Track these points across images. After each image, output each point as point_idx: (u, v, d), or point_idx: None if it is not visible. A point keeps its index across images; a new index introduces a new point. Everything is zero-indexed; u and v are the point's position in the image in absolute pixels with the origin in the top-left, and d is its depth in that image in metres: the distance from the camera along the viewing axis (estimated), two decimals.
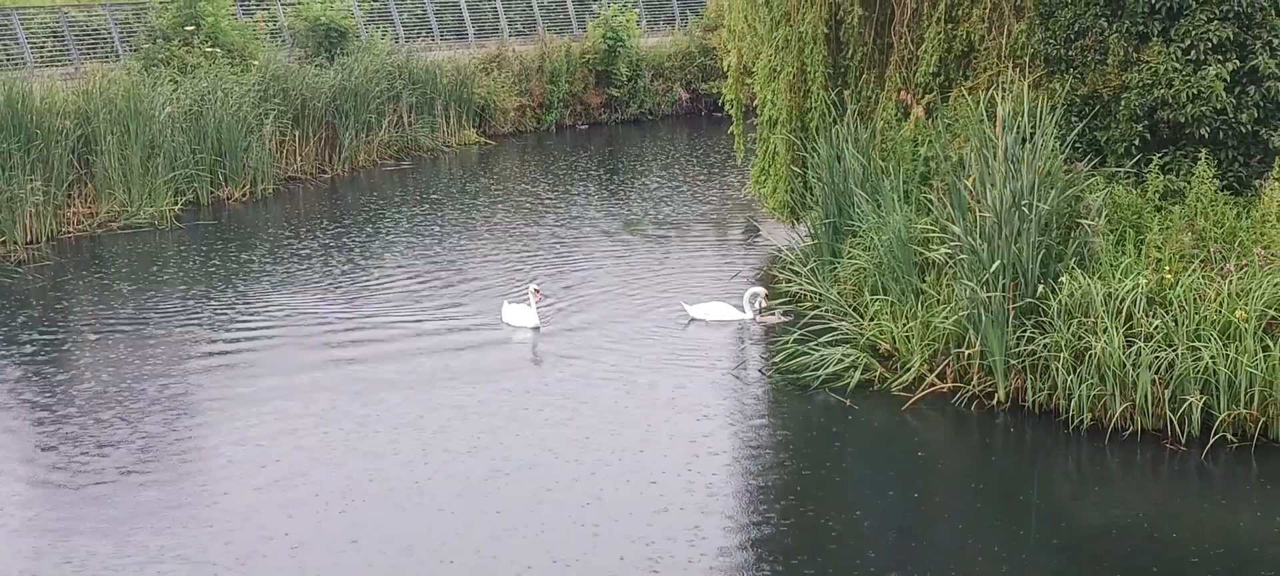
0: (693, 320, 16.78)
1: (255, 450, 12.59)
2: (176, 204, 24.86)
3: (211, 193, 26.14)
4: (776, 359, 14.73)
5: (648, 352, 15.40)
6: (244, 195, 26.56)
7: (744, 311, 16.85)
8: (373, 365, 14.99)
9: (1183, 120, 14.12)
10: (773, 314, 16.63)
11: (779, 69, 19.06)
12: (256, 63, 29.34)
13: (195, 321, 17.32)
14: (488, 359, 15.18)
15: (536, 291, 16.44)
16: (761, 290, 17.22)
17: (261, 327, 16.96)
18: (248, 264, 20.78)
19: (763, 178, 20.40)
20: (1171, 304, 12.45)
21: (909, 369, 13.87)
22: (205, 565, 10.30)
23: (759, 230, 22.07)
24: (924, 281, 14.54)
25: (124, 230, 23.50)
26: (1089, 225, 13.33)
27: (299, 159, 29.33)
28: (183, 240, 22.85)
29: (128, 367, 15.31)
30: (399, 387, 14.11)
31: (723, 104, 21.92)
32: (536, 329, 15.98)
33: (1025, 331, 13.09)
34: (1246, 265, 12.68)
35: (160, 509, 11.31)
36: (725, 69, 21.45)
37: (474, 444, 12.50)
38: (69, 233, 23.14)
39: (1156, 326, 12.29)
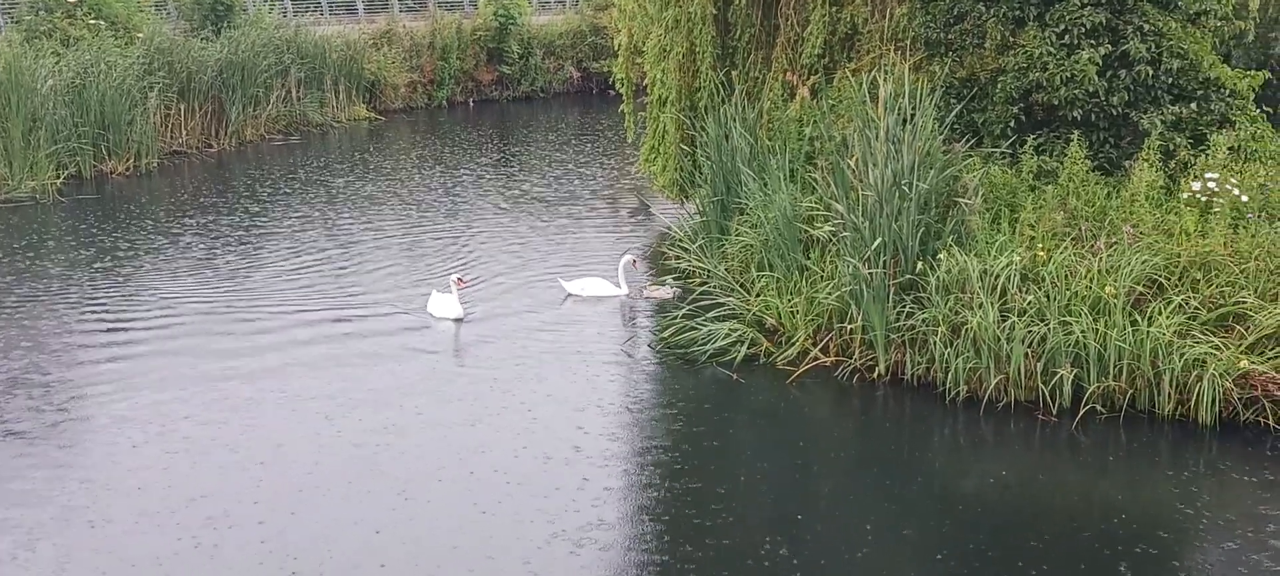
0: (569, 296, 16.85)
1: (133, 435, 12.29)
2: (59, 177, 24.33)
3: (95, 166, 25.62)
4: (665, 334, 14.85)
5: (535, 329, 15.46)
6: (128, 169, 26.06)
7: (620, 287, 16.98)
8: (257, 354, 14.56)
9: (1056, 103, 14.52)
10: (662, 289, 16.77)
11: (669, 49, 19.18)
12: (140, 35, 28.76)
13: (74, 298, 16.99)
14: (364, 345, 14.87)
15: (459, 281, 16.00)
16: (631, 257, 17.33)
17: (144, 307, 16.67)
18: (131, 240, 20.41)
19: (653, 156, 20.52)
20: (1044, 280, 12.79)
21: (794, 343, 14.08)
22: (80, 552, 10.18)
23: (649, 208, 22.21)
24: (809, 258, 14.75)
25: (5, 204, 22.93)
26: (966, 204, 13.64)
27: (185, 133, 28.84)
28: (65, 214, 22.37)
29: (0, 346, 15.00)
30: (285, 374, 13.88)
31: (614, 83, 22.00)
32: (460, 320, 15.56)
33: (905, 307, 13.37)
34: (1116, 243, 13.06)
35: (33, 501, 11.01)
36: (616, 48, 21.52)
37: (359, 428, 12.36)
38: None
39: (1030, 302, 12.63)
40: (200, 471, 11.40)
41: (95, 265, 18.71)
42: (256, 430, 12.27)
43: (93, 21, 28.60)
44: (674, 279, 17.03)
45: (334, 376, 13.67)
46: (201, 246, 19.88)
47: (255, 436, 12.12)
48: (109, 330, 15.58)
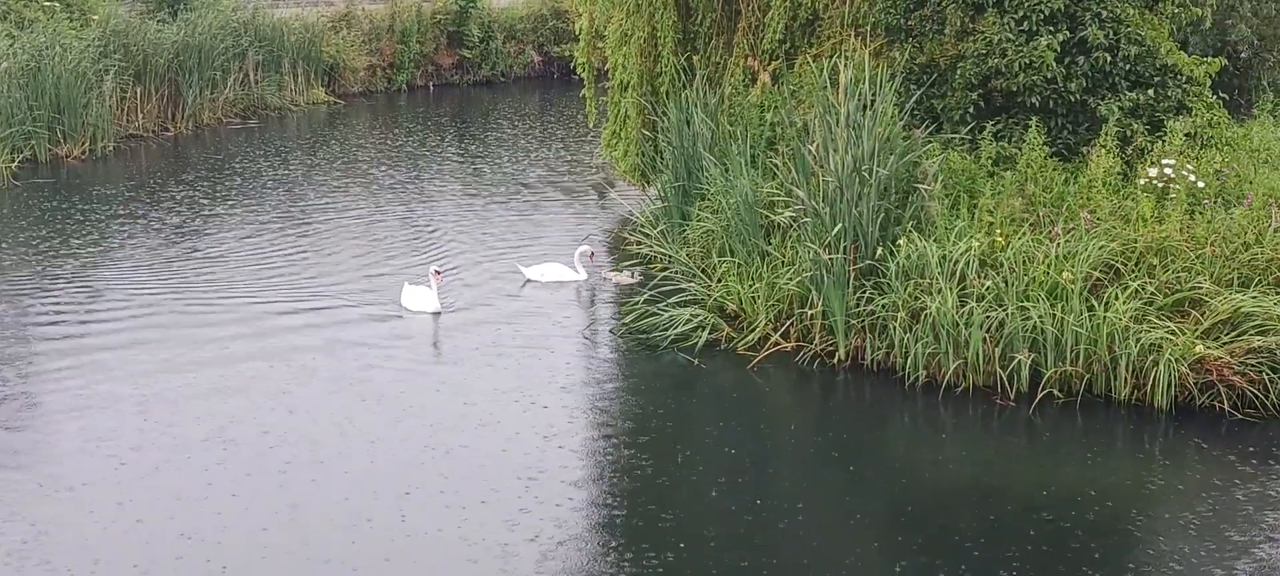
0: (528, 281, 16.85)
1: (90, 426, 12.15)
2: (14, 161, 24.08)
3: (50, 150, 25.36)
4: (626, 319, 14.88)
5: (495, 317, 15.45)
6: (83, 153, 25.82)
7: (579, 272, 17.00)
8: (219, 344, 14.41)
9: (1015, 89, 14.62)
10: (624, 275, 16.80)
11: (630, 33, 19.19)
12: (96, 17, 28.49)
13: (29, 285, 16.83)
14: (332, 336, 14.76)
15: (437, 273, 15.54)
16: (587, 248, 17.35)
17: (100, 295, 16.52)
18: (87, 225, 20.24)
19: (614, 141, 20.52)
20: (1002, 266, 12.88)
21: (755, 329, 14.13)
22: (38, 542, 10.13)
23: (611, 191, 22.23)
24: (769, 244, 14.80)
25: None
26: (925, 190, 13.73)
27: (141, 116, 28.59)
28: (20, 199, 22.16)
29: None
30: (249, 365, 13.68)
31: (575, 67, 21.98)
32: (437, 314, 15.20)
33: (865, 292, 13.44)
34: (1073, 228, 13.18)
35: None
36: (577, 32, 21.50)
37: (320, 419, 12.23)
38: None
39: (988, 287, 12.73)
40: (161, 464, 11.34)
41: (50, 250, 18.55)
42: (222, 423, 12.18)
43: (47, 3, 28.30)
44: (634, 265, 17.05)
45: (299, 368, 13.49)
46: (159, 232, 19.73)
47: (221, 429, 12.06)
48: (63, 318, 15.44)
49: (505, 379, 13.26)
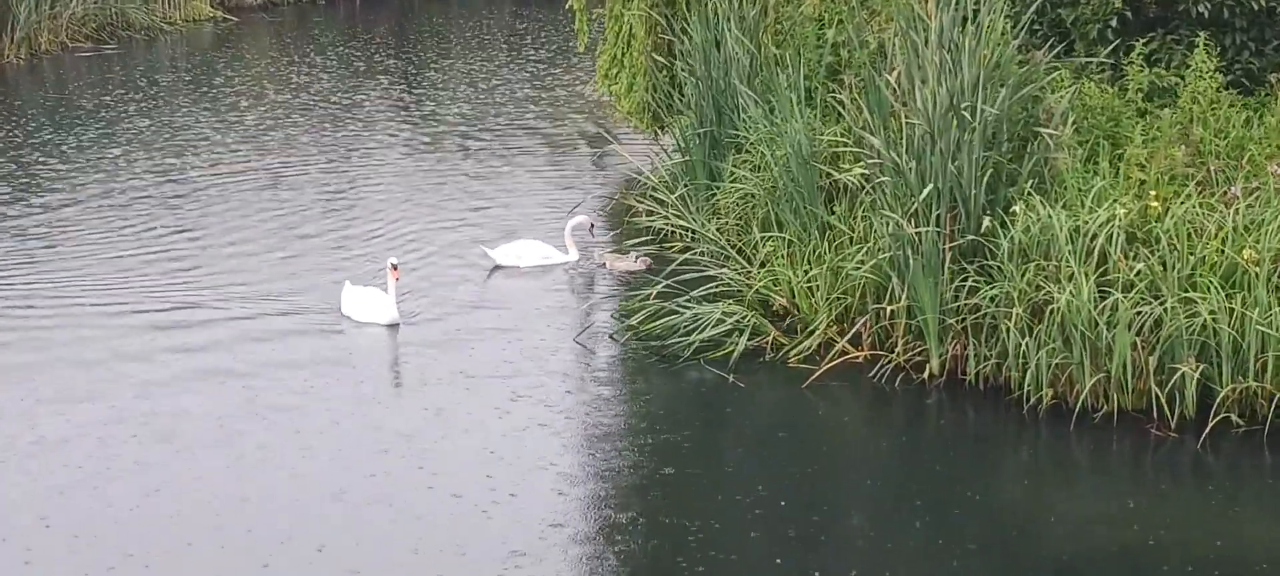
0: (497, 267, 16.92)
1: None
2: None
3: None
4: (632, 320, 14.84)
5: (456, 315, 15.51)
6: None
7: (568, 253, 17.02)
8: (89, 368, 14.30)
9: None
10: (627, 259, 16.77)
11: None
12: None
13: None
14: (236, 358, 14.72)
15: (394, 269, 15.29)
16: (585, 218, 17.34)
17: None
18: None
19: (614, 71, 20.47)
20: (1159, 241, 12.84)
21: (812, 332, 14.08)
22: None
23: (609, 142, 22.18)
24: (832, 213, 14.75)
25: None
26: (1051, 135, 13.67)
27: None
28: None
29: None
30: (125, 380, 13.73)
31: None
32: (394, 325, 15.05)
33: (966, 280, 13.39)
34: (1258, 189, 13.11)
35: None
36: None
37: (220, 490, 12.24)
38: None
39: (1139, 272, 12.67)
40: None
41: None
42: (115, 475, 12.14)
43: None
44: (643, 245, 17.01)
45: (191, 416, 13.20)
46: None
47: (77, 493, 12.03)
48: None
49: (464, 409, 13.24)
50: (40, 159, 22.13)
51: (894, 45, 14.29)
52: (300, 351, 14.60)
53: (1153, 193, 13.21)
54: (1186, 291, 12.54)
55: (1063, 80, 14.24)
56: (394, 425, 12.88)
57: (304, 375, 13.94)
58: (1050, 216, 13.05)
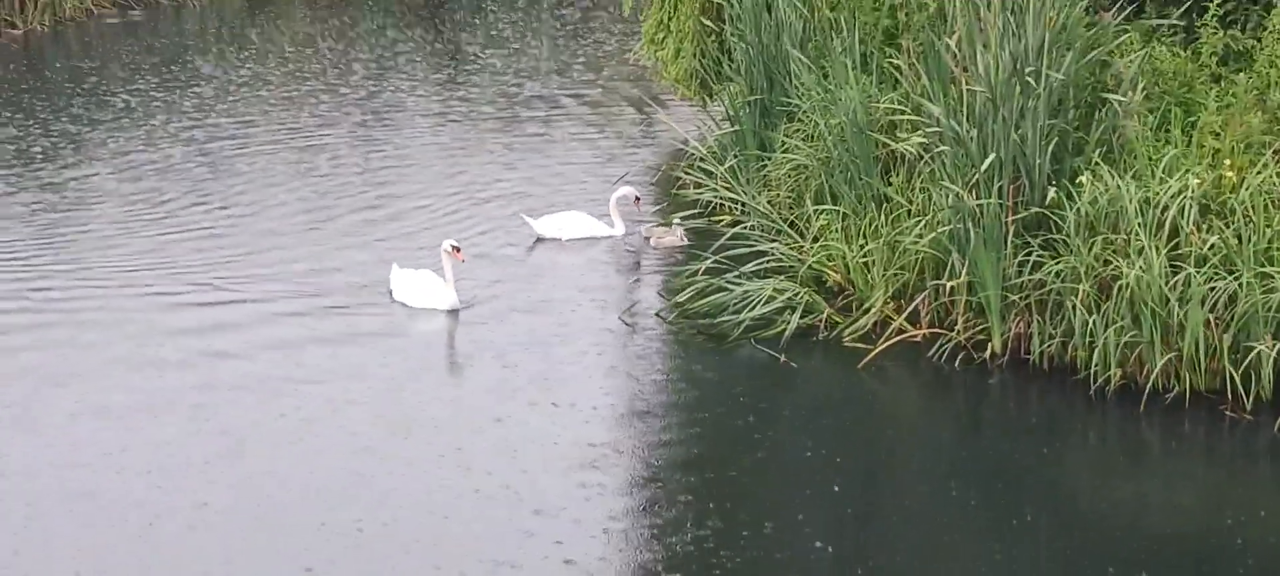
0: (539, 239, 16.97)
1: None
2: None
3: None
4: (679, 297, 14.85)
5: (499, 293, 15.55)
6: None
7: (614, 226, 17.08)
8: (120, 351, 14.31)
9: None
10: (671, 234, 16.77)
11: None
12: None
13: None
14: (263, 350, 14.47)
15: (455, 250, 15.19)
16: (631, 190, 17.34)
17: None
18: None
19: (660, 36, 20.42)
20: (1234, 213, 12.76)
21: (868, 309, 14.07)
22: None
23: (655, 111, 22.15)
24: (889, 185, 14.72)
25: None
26: (1120, 102, 13.61)
27: None
28: None
29: None
30: (170, 390, 13.57)
31: None
32: (454, 311, 14.95)
33: (1030, 255, 13.35)
34: None
35: None
36: None
37: (280, 444, 12.34)
38: None
39: (1213, 246, 12.61)
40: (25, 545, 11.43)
41: None
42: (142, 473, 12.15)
43: None
44: (687, 218, 16.99)
45: (241, 405, 13.22)
46: (7, 183, 19.84)
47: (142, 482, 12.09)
48: None
49: (508, 389, 13.31)
50: (70, 127, 22.22)
51: (954, 7, 14.21)
52: (352, 342, 14.49)
53: (1227, 162, 13.12)
54: (1263, 266, 12.47)
55: (1132, 43, 14.15)
56: (435, 408, 12.98)
57: (357, 359, 14.02)
58: (1119, 187, 12.98)
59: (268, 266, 16.49)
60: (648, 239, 16.87)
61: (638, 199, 17.34)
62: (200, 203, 18.76)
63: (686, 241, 16.57)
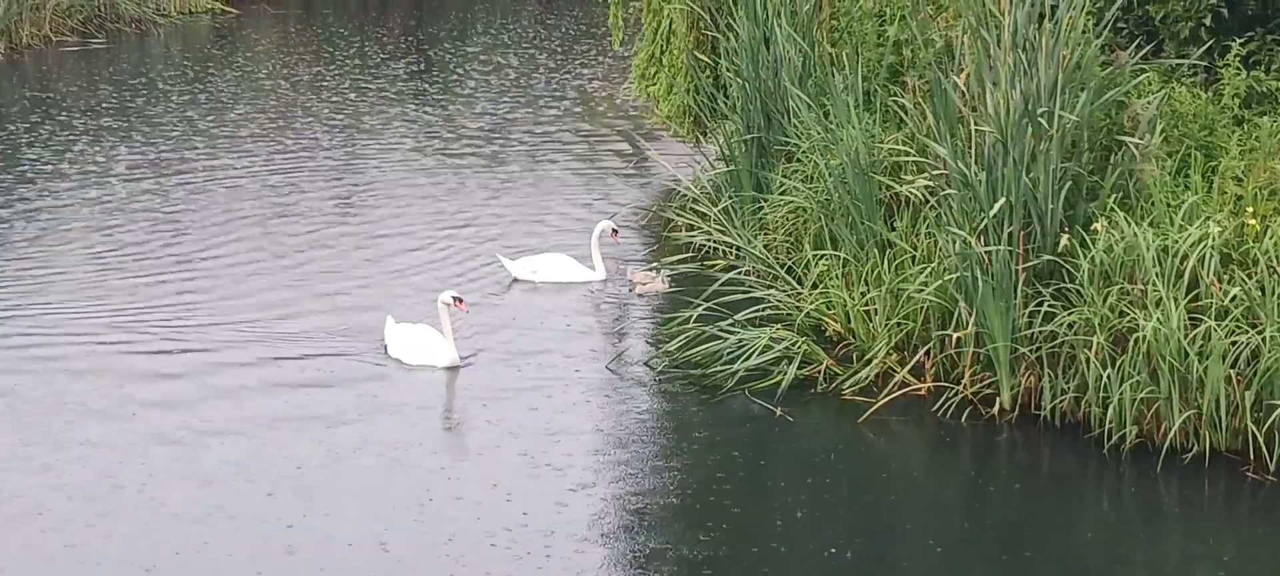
0: (515, 281, 17.00)
1: None
2: None
3: None
4: (669, 345, 14.83)
5: (486, 336, 15.54)
6: None
7: (595, 270, 17.11)
8: (78, 410, 14.14)
9: None
10: (654, 279, 16.74)
11: None
12: None
13: None
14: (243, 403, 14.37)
15: (457, 301, 14.99)
16: (608, 224, 17.37)
17: None
18: None
19: (652, 71, 20.45)
20: (1257, 263, 12.73)
21: (870, 360, 14.06)
22: None
23: (645, 150, 22.15)
24: (893, 229, 14.72)
25: None
26: (1137, 145, 13.60)
27: None
28: None
29: None
30: (131, 451, 13.43)
31: None
32: (454, 367, 14.75)
33: (1041, 305, 13.32)
34: None
35: None
36: None
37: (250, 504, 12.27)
38: None
39: (1234, 297, 12.58)
40: None
41: None
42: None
43: None
44: (678, 261, 16.95)
45: (220, 473, 13.05)
46: None
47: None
48: None
49: (494, 432, 13.31)
50: (37, 155, 22.18)
51: (963, 44, 14.22)
52: (341, 400, 14.21)
53: (1250, 209, 13.11)
54: None
55: (1150, 84, 14.14)
56: (422, 465, 12.87)
57: (348, 422, 13.76)
58: (1135, 234, 12.95)
59: (240, 318, 16.25)
60: (632, 286, 16.84)
61: (615, 232, 17.33)
62: (168, 245, 18.70)
63: (668, 286, 16.57)
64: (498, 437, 13.38)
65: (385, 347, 15.15)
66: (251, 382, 14.58)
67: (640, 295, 16.67)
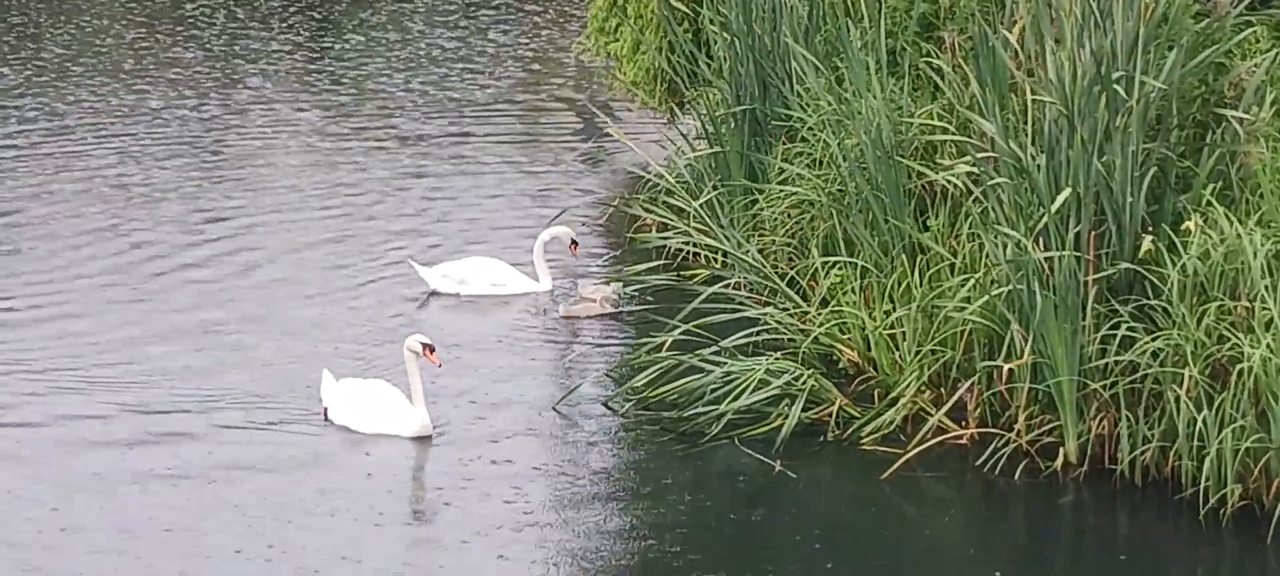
0: (433, 293, 17.15)
1: None
2: None
3: None
4: (635, 380, 14.82)
5: (379, 363, 15.59)
6: None
7: (539, 280, 17.24)
8: None
9: None
10: (595, 296, 16.73)
11: None
12: None
13: None
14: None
15: (427, 349, 14.55)
16: (564, 231, 17.46)
17: None
18: None
19: (612, 23, 20.47)
20: None
21: (896, 400, 14.06)
22: None
23: (604, 125, 22.17)
24: (925, 229, 14.77)
25: None
26: (1241, 120, 13.65)
27: None
28: None
29: None
30: None
31: None
32: (425, 437, 14.43)
33: (1117, 327, 13.34)
34: None
35: None
36: None
37: None
38: None
39: None
40: None
41: None
42: None
43: None
44: (647, 271, 16.95)
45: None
46: None
47: None
48: None
49: (420, 523, 13.39)
50: None
51: None
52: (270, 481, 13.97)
53: None
54: None
55: (1258, 42, 14.18)
56: (339, 538, 12.87)
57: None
58: (1239, 236, 12.98)
59: (91, 374, 15.98)
60: (572, 304, 16.80)
61: (574, 243, 17.31)
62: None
63: (614, 307, 16.57)
64: (430, 503, 13.54)
65: (324, 412, 14.82)
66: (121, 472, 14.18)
67: (568, 318, 16.61)
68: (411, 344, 14.45)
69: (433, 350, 14.47)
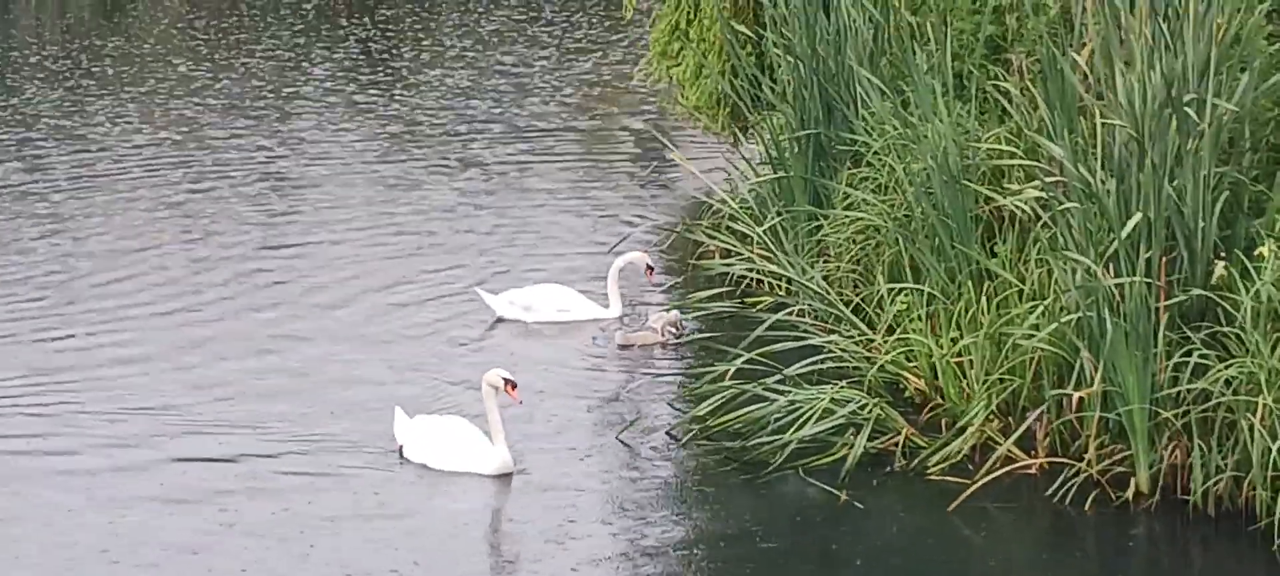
0: (500, 320, 17.16)
1: None
2: None
3: None
4: (698, 409, 14.78)
5: (463, 393, 15.56)
6: None
7: (611, 305, 17.22)
8: None
9: None
10: (663, 324, 16.70)
11: None
12: None
13: None
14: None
15: (509, 385, 14.35)
16: (641, 256, 17.41)
17: None
18: None
19: (675, 47, 20.47)
20: None
21: (964, 429, 13.99)
22: None
23: (666, 150, 22.16)
24: (993, 255, 14.71)
25: None
26: None
27: None
28: None
29: None
30: None
31: None
32: (506, 475, 14.26)
33: (1190, 354, 13.24)
34: None
35: None
36: None
37: None
38: None
39: None
40: None
41: None
42: None
43: None
44: (710, 298, 16.92)
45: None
46: None
47: None
48: None
49: (480, 517, 13.54)
50: None
51: (1084, 9, 14.16)
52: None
53: None
54: None
55: None
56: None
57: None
58: None
59: (143, 407, 15.90)
60: (635, 333, 16.77)
61: (650, 268, 17.30)
62: (41, 300, 18.68)
63: (674, 337, 16.56)
64: (476, 521, 13.53)
65: (400, 450, 14.73)
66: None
67: (624, 347, 16.57)
68: (492, 379, 14.26)
69: (515, 387, 14.25)
